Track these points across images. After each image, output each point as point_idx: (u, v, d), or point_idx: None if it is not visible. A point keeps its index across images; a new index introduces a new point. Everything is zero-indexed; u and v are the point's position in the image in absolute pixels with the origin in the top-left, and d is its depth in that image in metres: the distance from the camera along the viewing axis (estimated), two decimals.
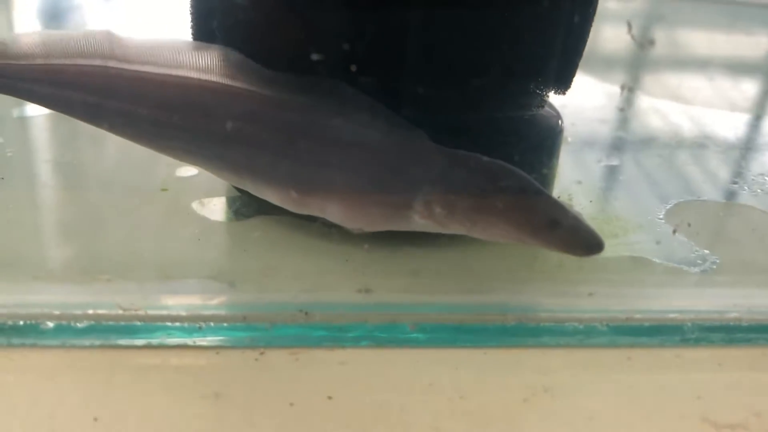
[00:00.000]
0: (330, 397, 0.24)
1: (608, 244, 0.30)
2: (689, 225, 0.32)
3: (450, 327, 0.26)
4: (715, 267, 0.31)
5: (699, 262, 0.31)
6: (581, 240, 0.25)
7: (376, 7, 0.25)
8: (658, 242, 0.32)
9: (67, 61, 0.27)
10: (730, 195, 0.37)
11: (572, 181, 0.35)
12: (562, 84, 0.30)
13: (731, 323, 0.27)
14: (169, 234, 0.29)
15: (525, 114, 0.30)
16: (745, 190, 0.37)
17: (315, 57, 0.25)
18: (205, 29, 0.28)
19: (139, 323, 0.24)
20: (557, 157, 0.34)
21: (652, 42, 0.27)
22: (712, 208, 0.35)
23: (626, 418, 0.24)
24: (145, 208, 0.30)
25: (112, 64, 0.27)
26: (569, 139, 0.40)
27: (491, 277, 0.28)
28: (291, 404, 0.23)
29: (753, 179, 0.38)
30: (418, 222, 0.25)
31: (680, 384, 0.25)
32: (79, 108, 0.28)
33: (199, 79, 0.26)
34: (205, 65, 0.27)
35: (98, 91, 0.27)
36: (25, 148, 0.35)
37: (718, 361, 0.27)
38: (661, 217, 0.34)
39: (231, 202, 0.31)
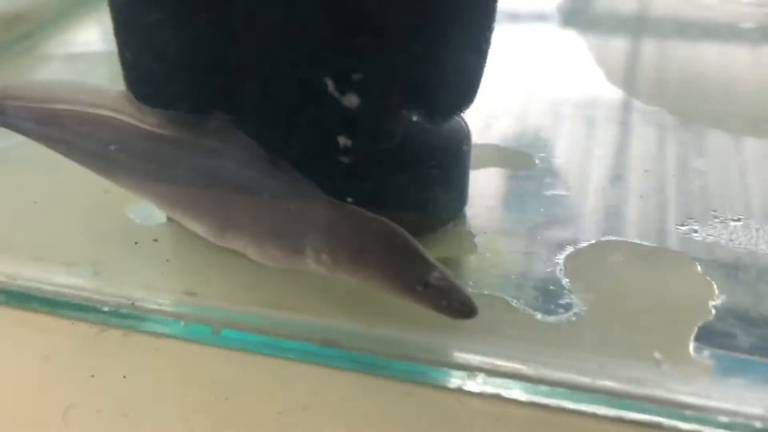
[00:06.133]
0: (125, 377, 0.28)
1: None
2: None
3: None
4: (574, 319, 0.30)
5: (560, 311, 0.30)
6: (450, 304, 0.26)
7: None
8: (518, 281, 0.31)
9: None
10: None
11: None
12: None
13: None
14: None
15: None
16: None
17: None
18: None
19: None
20: (467, 171, 0.34)
21: None
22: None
23: None
24: None
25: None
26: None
27: None
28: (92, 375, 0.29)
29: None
30: (312, 266, 0.28)
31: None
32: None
33: (129, 122, 0.31)
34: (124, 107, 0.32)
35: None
36: None
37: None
38: (558, 259, 0.33)
39: None
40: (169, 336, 0.30)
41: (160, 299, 0.30)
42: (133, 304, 0.30)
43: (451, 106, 0.31)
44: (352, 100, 0.26)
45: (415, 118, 0.31)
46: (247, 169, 0.30)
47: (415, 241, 0.28)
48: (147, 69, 0.29)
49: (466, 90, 0.32)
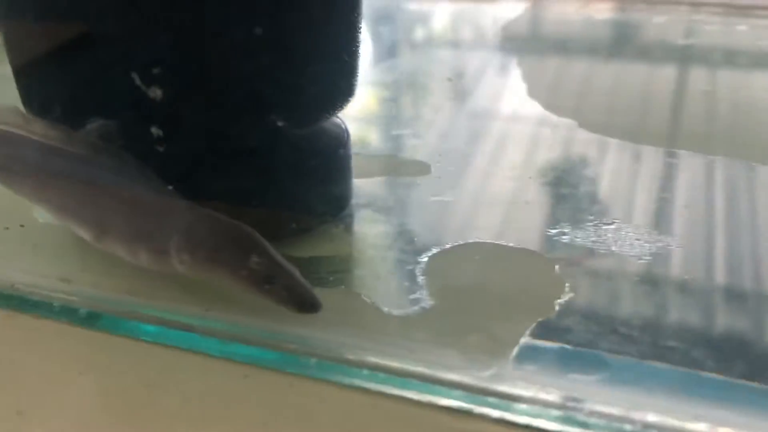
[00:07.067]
0: None
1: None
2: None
3: None
4: (418, 312, 0.31)
5: (408, 305, 0.32)
6: (293, 299, 0.29)
7: None
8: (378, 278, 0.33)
9: None
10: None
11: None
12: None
13: None
14: None
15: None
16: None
17: None
18: None
19: None
20: (346, 174, 0.36)
21: None
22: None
23: None
24: None
25: None
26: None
27: None
28: None
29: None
30: (178, 268, 0.30)
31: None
32: None
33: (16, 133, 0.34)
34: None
35: None
36: None
37: None
38: (422, 258, 0.34)
39: None
40: (44, 317, 0.32)
41: (37, 284, 0.33)
42: (13, 286, 0.33)
43: (311, 114, 0.33)
44: (156, 92, 0.28)
45: (280, 123, 0.33)
46: (116, 175, 0.32)
47: (263, 242, 0.29)
48: (30, 81, 0.32)
49: (329, 98, 0.34)
